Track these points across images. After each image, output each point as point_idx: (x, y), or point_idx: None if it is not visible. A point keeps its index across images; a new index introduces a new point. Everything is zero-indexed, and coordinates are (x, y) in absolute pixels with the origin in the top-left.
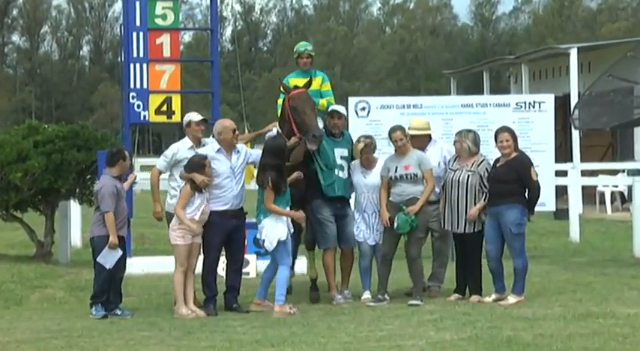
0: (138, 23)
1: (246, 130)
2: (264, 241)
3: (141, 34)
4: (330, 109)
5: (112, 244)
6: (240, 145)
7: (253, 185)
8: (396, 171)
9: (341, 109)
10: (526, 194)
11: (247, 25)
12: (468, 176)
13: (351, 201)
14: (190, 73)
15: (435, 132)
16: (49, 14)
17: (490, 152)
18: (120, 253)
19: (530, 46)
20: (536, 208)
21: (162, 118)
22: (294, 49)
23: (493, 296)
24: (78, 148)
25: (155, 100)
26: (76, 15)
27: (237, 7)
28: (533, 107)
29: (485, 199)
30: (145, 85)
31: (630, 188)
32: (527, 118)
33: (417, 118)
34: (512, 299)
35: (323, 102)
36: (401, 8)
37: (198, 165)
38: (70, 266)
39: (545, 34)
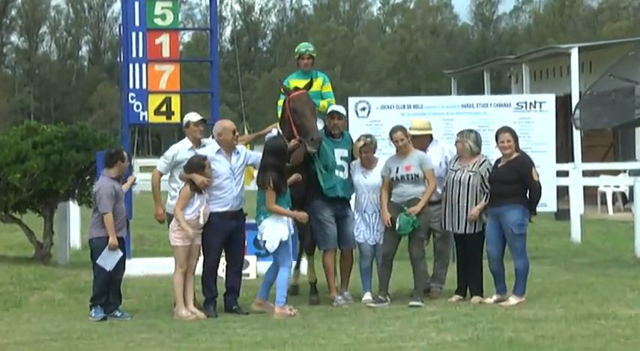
0: (137, 23)
1: (246, 131)
2: (265, 242)
3: (140, 34)
4: (329, 109)
5: (112, 246)
6: (240, 147)
7: (253, 186)
8: (397, 171)
9: (341, 109)
10: (527, 195)
11: (247, 25)
12: (470, 176)
13: (351, 201)
14: (190, 74)
15: (436, 132)
16: (48, 14)
17: (491, 152)
18: (120, 254)
19: (531, 46)
20: (538, 209)
21: (162, 119)
22: (295, 50)
23: (494, 297)
24: (77, 148)
25: (154, 101)
26: (75, 15)
27: (237, 7)
28: (534, 107)
29: (486, 200)
30: (144, 86)
31: (632, 188)
32: (528, 118)
33: (418, 118)
34: (513, 300)
35: (324, 104)
36: (401, 8)
37: (197, 166)
38: (69, 268)
39: (546, 33)
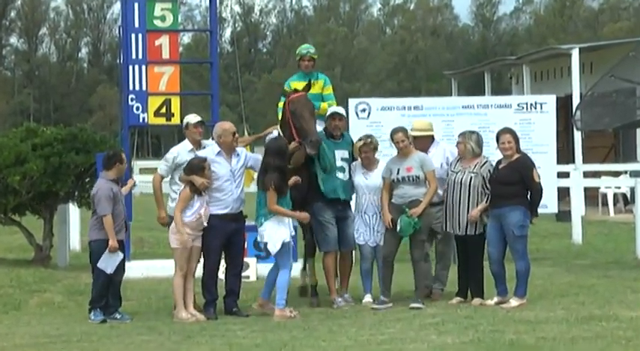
0: (137, 25)
1: (246, 132)
2: (266, 244)
3: (140, 35)
4: (330, 111)
5: (112, 248)
6: (240, 149)
7: (253, 188)
8: (398, 173)
9: (341, 110)
10: (528, 196)
11: (247, 26)
12: (471, 178)
13: (352, 202)
14: (190, 75)
15: (436, 133)
16: (48, 16)
17: (491, 154)
18: (121, 256)
19: (532, 47)
20: (538, 210)
21: (162, 121)
22: (297, 52)
23: (495, 299)
24: (76, 150)
25: (154, 102)
26: (75, 17)
27: (237, 9)
28: (535, 108)
29: (487, 201)
30: (143, 87)
31: (633, 190)
32: (529, 120)
33: (419, 119)
34: (514, 302)
35: (324, 106)
36: (401, 9)
37: (197, 167)
38: (68, 270)
39: (546, 34)
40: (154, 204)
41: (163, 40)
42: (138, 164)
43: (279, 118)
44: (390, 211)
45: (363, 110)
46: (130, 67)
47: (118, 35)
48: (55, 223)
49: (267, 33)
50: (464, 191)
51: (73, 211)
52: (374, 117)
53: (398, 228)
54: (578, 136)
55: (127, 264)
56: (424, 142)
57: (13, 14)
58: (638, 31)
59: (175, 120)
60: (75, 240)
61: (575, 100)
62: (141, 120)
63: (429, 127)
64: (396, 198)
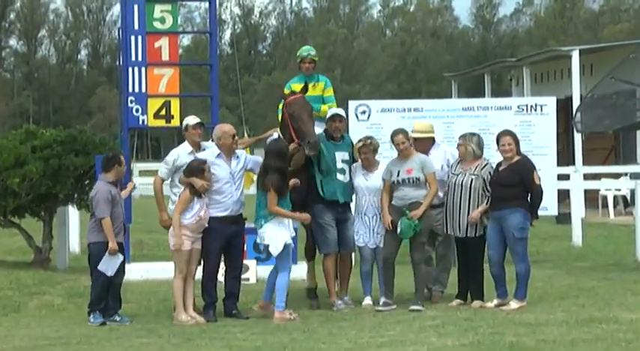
0: (136, 27)
1: (246, 134)
2: (268, 246)
3: (139, 37)
4: (330, 112)
5: (112, 250)
6: (239, 151)
7: (252, 190)
8: (398, 175)
9: (341, 111)
10: (528, 198)
11: (246, 28)
12: (472, 180)
13: (352, 204)
14: (189, 77)
15: (436, 135)
16: (47, 18)
17: (492, 156)
18: (121, 258)
19: (532, 49)
20: (538, 213)
21: (161, 123)
22: (297, 54)
23: (495, 301)
24: (76, 152)
25: (154, 104)
26: (74, 18)
27: (236, 10)
28: (535, 110)
29: (487, 203)
30: (143, 89)
31: (633, 192)
32: (529, 122)
33: (420, 121)
34: (514, 304)
35: (325, 108)
36: (401, 10)
37: (197, 169)
38: (68, 272)
39: (546, 36)
40: (153, 206)
41: (163, 42)
42: (137, 166)
43: (280, 120)
44: (390, 213)
45: (363, 112)
46: (130, 69)
47: (118, 37)
48: (54, 225)
49: (267, 35)
50: (464, 193)
51: (73, 213)
52: (374, 119)
53: (398, 230)
54: (578, 138)
55: (127, 266)
56: (425, 144)
57: (12, 16)
58: (639, 32)
59: (175, 122)
60: (74, 242)
61: (576, 102)
62: (140, 122)
63: (430, 129)
64: (396, 200)
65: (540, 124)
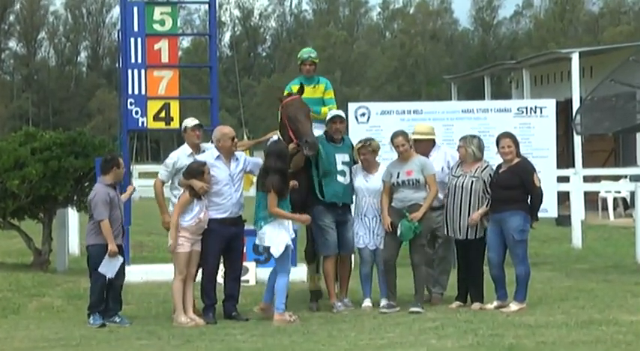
0: (136, 29)
1: (245, 137)
2: (268, 247)
3: (139, 39)
4: (330, 114)
5: (112, 253)
6: (239, 153)
7: (252, 192)
8: (398, 176)
9: (341, 113)
10: (528, 200)
11: (246, 30)
12: (472, 182)
13: (351, 205)
14: (189, 79)
15: (436, 137)
16: (46, 20)
17: (491, 158)
18: (120, 260)
19: (532, 51)
20: (538, 215)
21: (161, 125)
22: (298, 56)
23: (495, 303)
24: (75, 154)
25: (153, 107)
26: (74, 21)
27: (236, 12)
28: (535, 112)
29: (487, 205)
30: (143, 92)
31: (633, 194)
32: (529, 124)
33: (421, 123)
34: (514, 306)
35: (325, 110)
36: (401, 13)
37: (197, 171)
38: (67, 274)
39: (546, 38)
40: (153, 208)
41: (162, 44)
42: (137, 168)
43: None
44: (390, 215)
45: (363, 114)
46: (129, 71)
47: (117, 39)
48: (54, 227)
49: (267, 37)
50: (465, 195)
51: (72, 215)
52: (373, 121)
53: (398, 232)
54: (578, 140)
55: (127, 268)
56: (425, 146)
57: (11, 18)
58: (638, 35)
59: (174, 124)
60: (74, 244)
61: (575, 105)
62: (140, 124)
63: (431, 131)
64: (396, 202)
65: (540, 127)
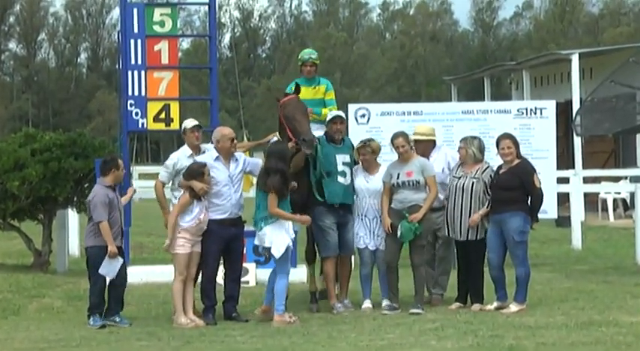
0: (136, 30)
1: (245, 138)
2: (269, 248)
3: (139, 41)
4: (330, 115)
5: (112, 254)
6: (238, 154)
7: (252, 193)
8: (398, 177)
9: (342, 113)
10: (528, 201)
11: (246, 31)
12: (473, 183)
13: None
14: (189, 80)
15: (438, 138)
16: (46, 21)
17: (491, 159)
18: (120, 261)
19: (532, 52)
20: (538, 216)
21: (161, 126)
22: (299, 57)
23: (495, 304)
24: (75, 156)
25: (153, 108)
26: (74, 22)
27: (236, 14)
28: (535, 114)
29: (488, 206)
30: (142, 93)
31: (633, 195)
32: (529, 125)
33: (421, 124)
34: (514, 307)
35: (325, 111)
36: (401, 14)
37: (197, 172)
38: (67, 275)
39: (546, 39)
40: (153, 209)
41: (162, 46)
42: (137, 169)
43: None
44: (390, 216)
45: (363, 116)
46: (129, 73)
47: (117, 40)
48: (54, 228)
49: (267, 38)
50: (465, 197)
51: (72, 216)
52: (373, 122)
53: (398, 234)
54: (578, 141)
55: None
56: (426, 147)
57: (11, 19)
58: (638, 36)
59: (174, 125)
60: (74, 245)
61: (575, 106)
62: (140, 125)
63: (432, 131)
64: (396, 203)
65: (540, 128)
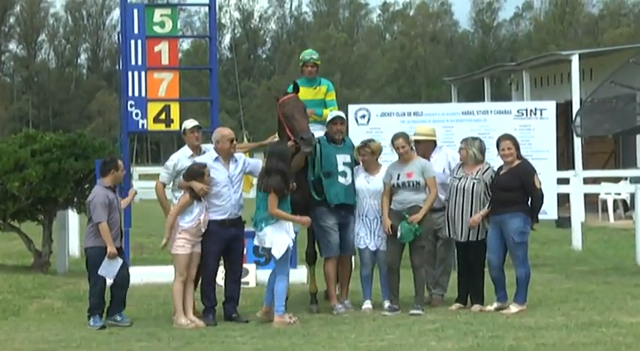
0: (136, 31)
1: (245, 139)
2: (270, 249)
3: (139, 41)
4: (330, 116)
5: (111, 255)
6: (238, 154)
7: (252, 194)
8: (398, 178)
9: (342, 114)
10: (529, 202)
11: (246, 32)
12: (474, 184)
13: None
14: (189, 81)
15: (438, 139)
16: (47, 22)
17: (491, 160)
18: (120, 262)
19: (532, 53)
20: (539, 216)
21: (161, 127)
22: (300, 57)
23: (495, 305)
24: (76, 156)
25: (153, 109)
26: (74, 23)
27: (236, 15)
28: (535, 114)
29: (488, 207)
30: (143, 94)
31: (633, 196)
32: (529, 126)
33: (422, 124)
34: (514, 308)
35: (327, 112)
36: (401, 15)
37: (197, 173)
38: (68, 276)
39: (546, 40)
40: (153, 210)
41: (163, 47)
42: (137, 170)
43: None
44: (390, 217)
45: (363, 116)
46: (130, 73)
47: (118, 41)
48: (54, 229)
49: (267, 39)
50: (466, 197)
51: (72, 217)
52: (373, 123)
53: (398, 234)
54: (578, 142)
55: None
56: (427, 147)
57: (12, 20)
58: (639, 37)
59: (175, 126)
60: (74, 246)
61: (575, 106)
62: (140, 126)
63: (432, 132)
64: (395, 204)
65: (540, 129)
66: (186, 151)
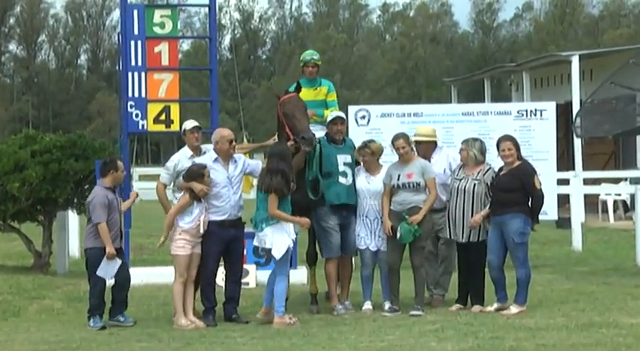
0: (136, 32)
1: (245, 139)
2: (270, 249)
3: (139, 42)
4: (331, 116)
5: (110, 255)
6: (238, 155)
7: (253, 195)
8: (398, 179)
9: (342, 114)
10: (529, 203)
11: (246, 33)
12: (474, 185)
13: None
14: (189, 82)
15: (438, 140)
16: (47, 23)
17: (492, 160)
18: (119, 262)
19: (532, 54)
20: (539, 217)
21: (161, 127)
22: (301, 58)
23: (495, 305)
24: (76, 157)
25: (153, 109)
26: (74, 23)
27: (236, 15)
28: (535, 115)
29: (489, 208)
30: (143, 94)
31: (633, 197)
32: (529, 127)
33: (422, 125)
34: (514, 309)
35: (327, 113)
36: (401, 15)
37: (197, 174)
38: (68, 277)
39: (546, 41)
40: (153, 211)
41: (163, 47)
42: (137, 171)
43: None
44: (390, 218)
45: (363, 117)
46: (130, 74)
47: (118, 42)
48: (54, 229)
49: (267, 40)
50: (467, 198)
51: (72, 217)
52: (373, 124)
53: (398, 235)
54: (578, 143)
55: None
56: (427, 148)
57: (12, 21)
58: (639, 37)
59: (175, 127)
60: (74, 247)
61: (575, 107)
62: (140, 127)
63: (433, 133)
64: (395, 204)
65: (540, 129)
66: (186, 151)
